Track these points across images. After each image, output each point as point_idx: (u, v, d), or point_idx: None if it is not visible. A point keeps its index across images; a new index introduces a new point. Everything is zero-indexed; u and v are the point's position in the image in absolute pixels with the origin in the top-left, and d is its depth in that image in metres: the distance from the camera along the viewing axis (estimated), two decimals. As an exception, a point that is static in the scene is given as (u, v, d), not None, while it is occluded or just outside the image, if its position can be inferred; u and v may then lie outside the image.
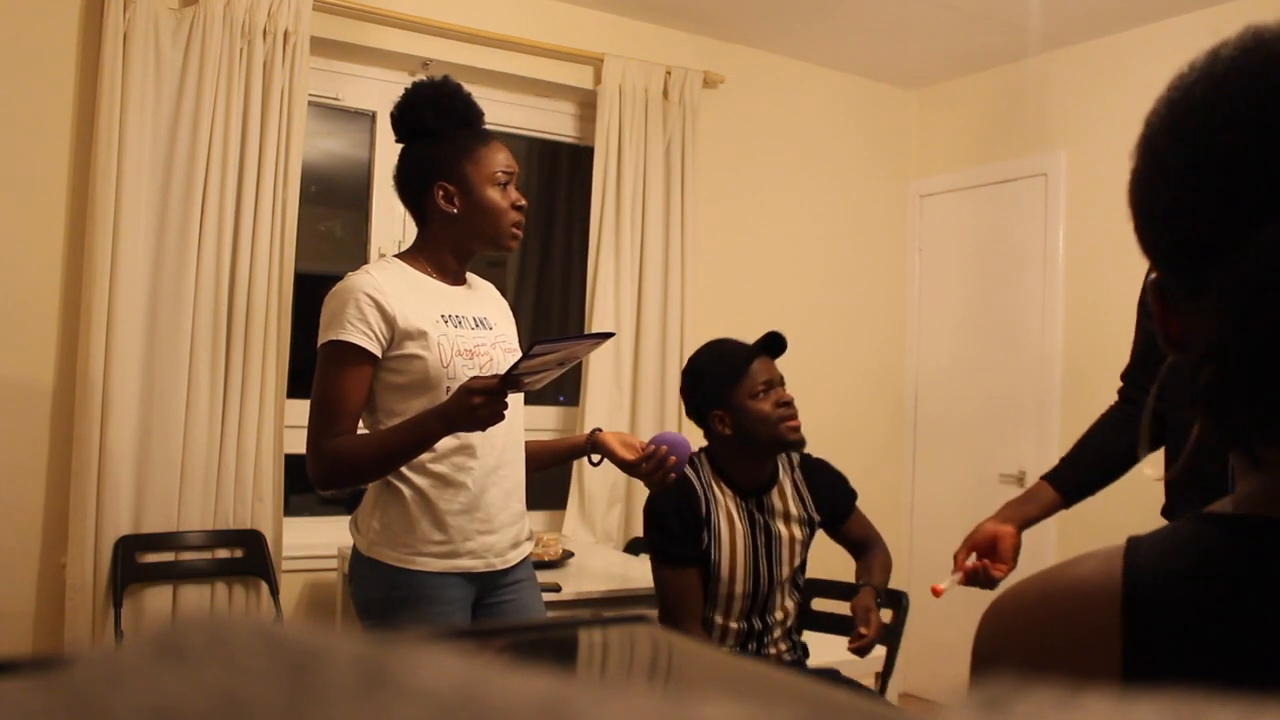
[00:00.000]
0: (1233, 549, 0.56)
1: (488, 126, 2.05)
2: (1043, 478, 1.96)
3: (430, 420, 1.76)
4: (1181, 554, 0.57)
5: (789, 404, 2.31)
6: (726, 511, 2.32)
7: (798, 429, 2.32)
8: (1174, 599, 0.55)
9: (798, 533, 2.37)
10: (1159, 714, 0.20)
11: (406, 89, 1.97)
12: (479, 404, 1.69)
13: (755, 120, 3.98)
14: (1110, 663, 0.56)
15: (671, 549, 2.28)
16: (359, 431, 1.92)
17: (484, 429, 1.77)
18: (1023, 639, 0.60)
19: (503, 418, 1.73)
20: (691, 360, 2.44)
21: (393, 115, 1.97)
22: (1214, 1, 3.30)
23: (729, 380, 2.31)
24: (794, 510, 2.38)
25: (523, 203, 1.96)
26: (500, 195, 1.93)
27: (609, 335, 1.97)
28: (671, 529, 2.28)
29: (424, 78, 2.00)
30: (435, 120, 1.93)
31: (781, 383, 2.35)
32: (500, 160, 1.94)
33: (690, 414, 2.42)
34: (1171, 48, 3.45)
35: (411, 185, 1.96)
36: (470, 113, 1.97)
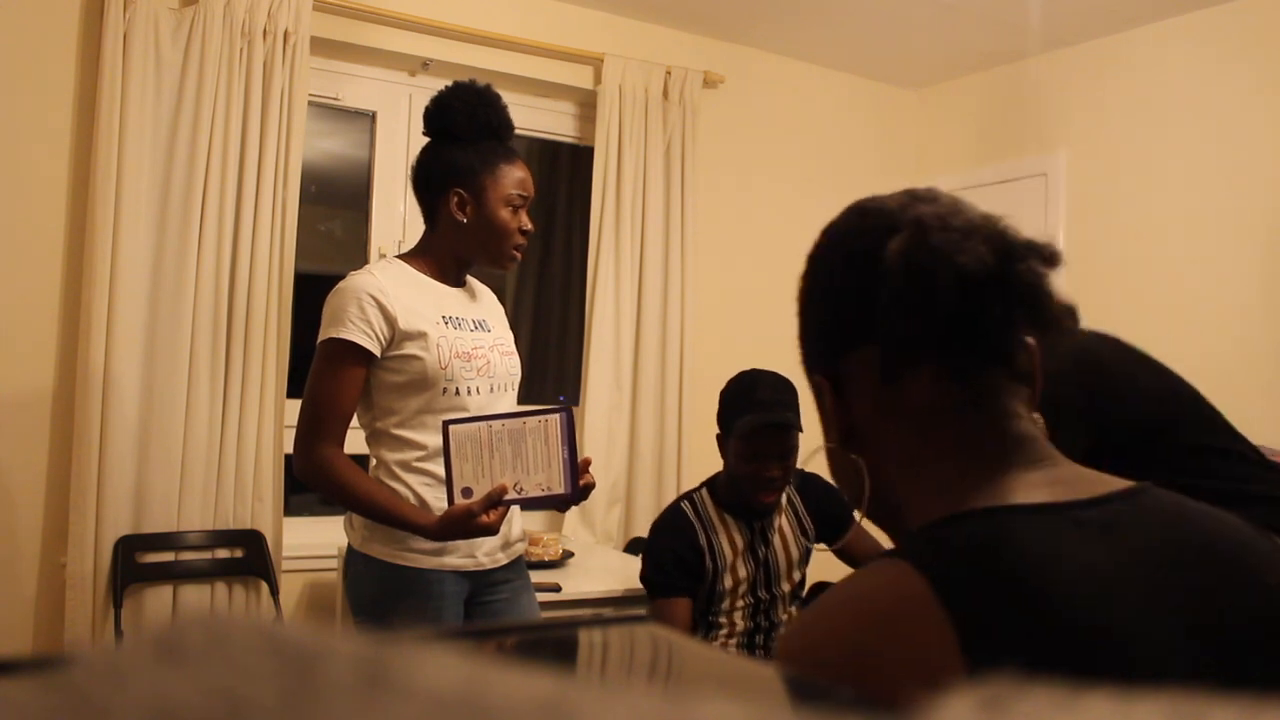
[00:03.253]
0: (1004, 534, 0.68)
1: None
2: None
3: (415, 523, 1.81)
4: (977, 549, 0.68)
5: (771, 480, 2.26)
6: (729, 538, 2.33)
7: (770, 504, 2.32)
8: (977, 581, 0.66)
9: (794, 552, 2.39)
10: (1159, 714, 0.20)
11: (447, 87, 1.96)
12: (481, 524, 1.75)
13: (755, 120, 3.98)
14: (948, 650, 0.62)
15: (657, 579, 2.31)
16: (359, 428, 1.94)
17: (471, 537, 1.82)
18: (850, 653, 0.66)
19: (497, 530, 1.78)
20: (728, 383, 2.38)
21: (426, 109, 1.97)
22: (1214, 1, 3.30)
23: (728, 430, 2.31)
24: (790, 528, 2.40)
25: (529, 228, 1.97)
26: (510, 216, 1.94)
27: (562, 409, 1.83)
28: (665, 565, 2.31)
29: (467, 80, 1.98)
30: (466, 127, 1.93)
31: (782, 456, 2.26)
32: (520, 181, 1.95)
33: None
34: (1171, 48, 3.45)
35: (428, 184, 1.97)
36: (502, 127, 1.97)
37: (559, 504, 1.87)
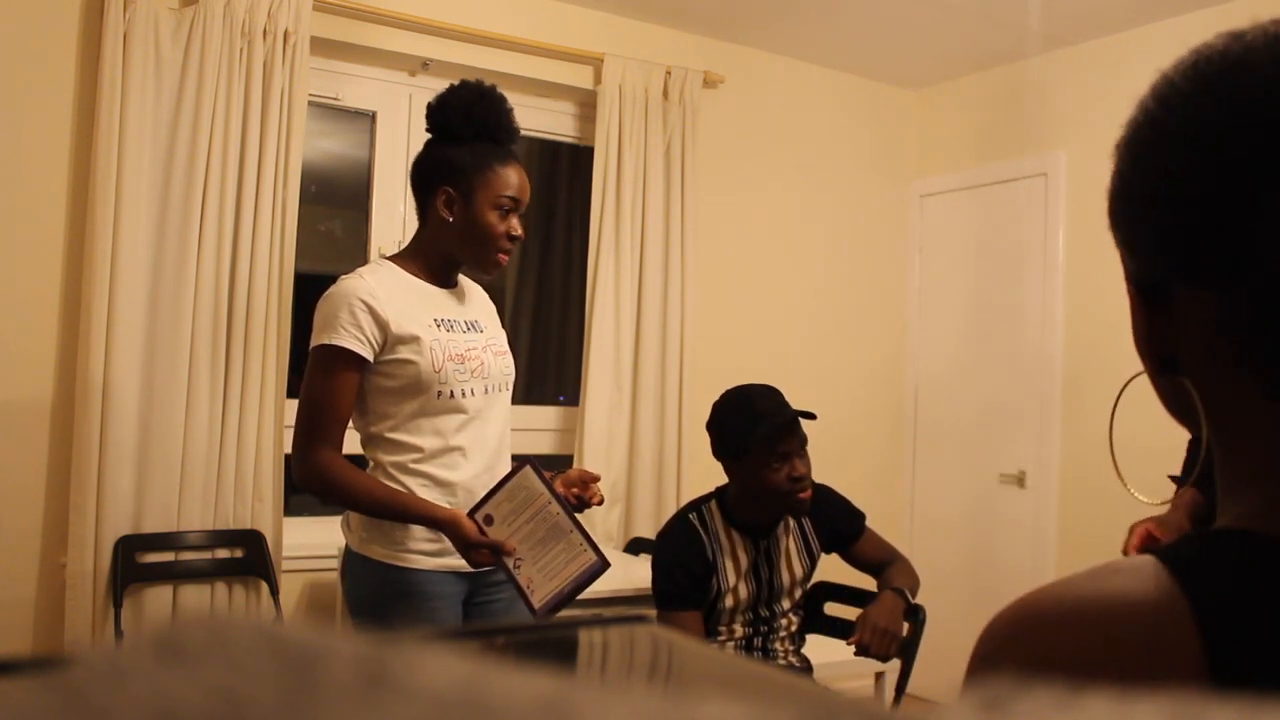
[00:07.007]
0: None
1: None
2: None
3: (424, 514, 1.84)
4: (1248, 575, 0.55)
5: (802, 478, 2.23)
6: (734, 558, 2.31)
7: (806, 502, 2.28)
8: (1254, 620, 0.53)
9: (798, 571, 2.38)
10: (1159, 714, 0.20)
11: (451, 85, 1.96)
12: (471, 551, 1.81)
13: (755, 120, 3.98)
14: (1190, 680, 0.52)
15: (671, 589, 2.29)
16: (356, 431, 1.94)
17: (453, 545, 1.85)
18: (1056, 654, 0.55)
19: (469, 561, 1.84)
20: (716, 406, 2.34)
21: (428, 105, 1.96)
22: (1214, 1, 3.30)
23: (743, 447, 2.26)
24: (795, 547, 2.38)
25: (518, 233, 1.95)
26: (497, 220, 1.92)
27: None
28: (676, 577, 2.29)
29: (474, 80, 1.96)
30: (461, 125, 1.92)
31: (801, 448, 2.25)
32: (511, 184, 1.92)
33: (713, 453, 2.37)
34: (1171, 48, 3.42)
35: (421, 180, 1.97)
36: (500, 129, 1.94)
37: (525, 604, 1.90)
